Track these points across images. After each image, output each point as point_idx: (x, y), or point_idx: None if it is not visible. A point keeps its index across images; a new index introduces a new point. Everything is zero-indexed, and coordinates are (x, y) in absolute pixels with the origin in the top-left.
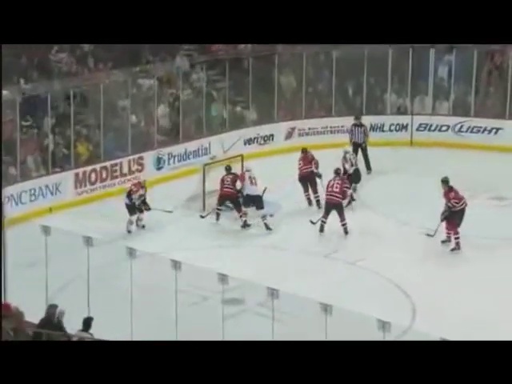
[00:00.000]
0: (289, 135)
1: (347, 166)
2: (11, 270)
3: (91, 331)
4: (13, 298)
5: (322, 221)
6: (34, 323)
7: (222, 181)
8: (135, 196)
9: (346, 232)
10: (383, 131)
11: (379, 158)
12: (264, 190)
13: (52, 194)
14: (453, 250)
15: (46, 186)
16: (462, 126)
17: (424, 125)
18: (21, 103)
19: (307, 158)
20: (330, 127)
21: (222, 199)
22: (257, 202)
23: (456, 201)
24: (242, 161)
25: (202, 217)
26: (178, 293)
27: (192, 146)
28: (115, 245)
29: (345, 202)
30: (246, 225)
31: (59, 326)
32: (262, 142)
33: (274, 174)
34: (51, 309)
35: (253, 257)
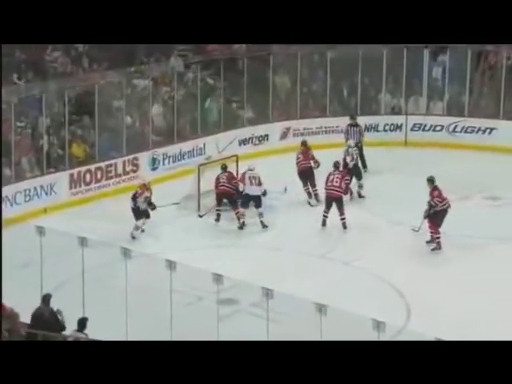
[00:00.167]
0: (284, 135)
1: (348, 160)
2: (6, 271)
3: (86, 331)
4: (7, 299)
5: (324, 215)
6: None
7: (218, 179)
8: (140, 199)
9: (344, 227)
10: (377, 131)
11: (373, 158)
12: (285, 190)
13: (47, 194)
14: (433, 249)
15: (41, 187)
16: (456, 126)
17: (418, 125)
18: (15, 104)
19: (307, 153)
20: (325, 127)
21: (220, 198)
22: (255, 201)
23: (439, 199)
24: (237, 161)
25: (200, 216)
26: (173, 293)
27: (187, 146)
28: (110, 245)
29: (346, 197)
30: (243, 225)
31: (54, 316)
32: (257, 142)
33: (269, 174)
34: (46, 296)
35: (248, 257)
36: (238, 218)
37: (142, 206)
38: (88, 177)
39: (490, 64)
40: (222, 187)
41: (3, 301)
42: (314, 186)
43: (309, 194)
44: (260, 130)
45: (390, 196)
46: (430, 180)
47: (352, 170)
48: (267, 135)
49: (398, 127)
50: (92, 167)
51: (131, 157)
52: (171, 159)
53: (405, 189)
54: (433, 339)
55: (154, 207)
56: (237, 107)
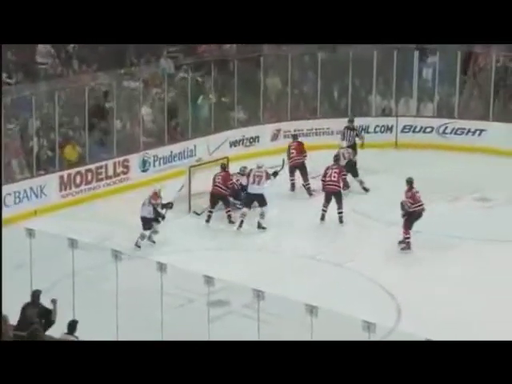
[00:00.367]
0: (274, 137)
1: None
2: None
3: (76, 334)
4: None
5: (323, 209)
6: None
7: (214, 178)
8: (151, 207)
9: (340, 221)
10: (368, 133)
11: (364, 160)
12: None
13: (37, 196)
14: (403, 249)
15: (31, 189)
16: (446, 128)
17: (408, 126)
18: (6, 105)
19: (300, 148)
20: (316, 129)
21: (213, 199)
22: (258, 199)
23: (410, 201)
24: (228, 163)
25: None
26: (164, 295)
27: (177, 148)
28: (101, 247)
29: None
30: (241, 224)
31: (43, 311)
32: (248, 143)
33: None
34: (36, 292)
35: (239, 258)
36: (229, 217)
37: (152, 215)
38: (78, 179)
39: (479, 66)
40: (216, 187)
41: None
42: (306, 180)
43: (292, 185)
44: (251, 131)
45: (381, 197)
46: (408, 181)
47: (346, 168)
48: (258, 137)
49: (389, 129)
50: (82, 169)
51: (121, 159)
52: (162, 161)
53: (396, 190)
54: (423, 339)
55: (171, 206)
56: (227, 109)
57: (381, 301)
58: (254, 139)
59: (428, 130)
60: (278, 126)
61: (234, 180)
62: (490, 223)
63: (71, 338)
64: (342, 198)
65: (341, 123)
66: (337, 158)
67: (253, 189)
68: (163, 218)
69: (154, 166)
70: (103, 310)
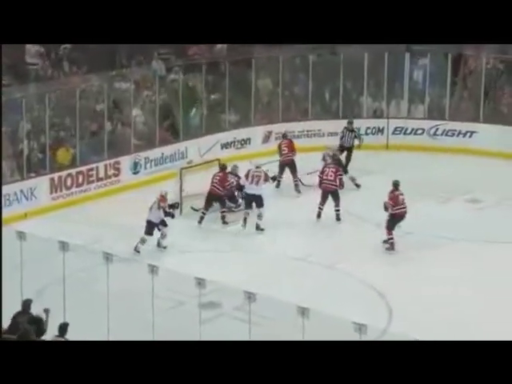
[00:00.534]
0: (266, 139)
1: (328, 159)
2: None
3: (67, 337)
4: None
5: (319, 207)
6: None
7: (212, 178)
8: (160, 211)
9: (337, 219)
10: (359, 134)
11: (356, 161)
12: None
13: (27, 199)
14: (387, 249)
15: (21, 192)
16: (437, 130)
17: (400, 128)
18: None
19: (291, 145)
20: (307, 131)
21: (209, 198)
22: (257, 200)
23: (391, 203)
24: (219, 165)
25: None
26: (155, 297)
27: (169, 150)
28: (92, 250)
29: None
30: (225, 222)
31: (34, 321)
32: (239, 146)
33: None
34: (26, 302)
35: (231, 260)
36: (223, 217)
37: (161, 216)
38: (69, 181)
39: (469, 68)
40: (212, 187)
41: None
42: (295, 176)
43: (278, 182)
44: (242, 133)
45: (372, 198)
46: (393, 183)
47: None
48: (249, 139)
49: (380, 130)
50: (73, 171)
51: (112, 161)
52: (153, 163)
53: (387, 192)
54: (414, 340)
55: (177, 205)
56: (219, 111)
57: (372, 302)
58: (246, 141)
59: (419, 131)
60: (269, 128)
61: (231, 181)
62: (481, 224)
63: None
64: (338, 197)
65: (332, 125)
66: (334, 158)
67: (251, 189)
68: (173, 216)
69: (146, 168)
70: (94, 313)
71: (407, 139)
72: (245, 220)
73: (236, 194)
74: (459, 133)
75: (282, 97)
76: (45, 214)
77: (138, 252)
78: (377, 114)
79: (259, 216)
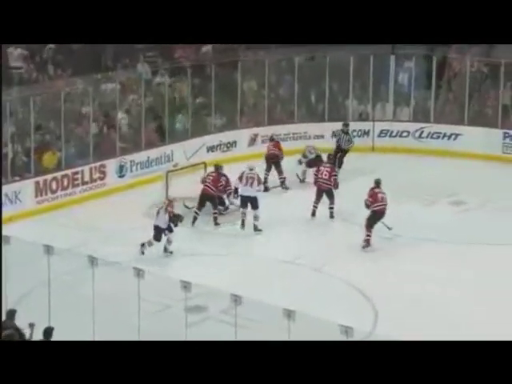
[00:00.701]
0: (252, 142)
1: (310, 156)
2: None
3: (52, 340)
4: None
5: (314, 205)
6: None
7: (205, 178)
8: (166, 216)
9: (331, 216)
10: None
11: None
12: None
13: (12, 202)
14: (363, 247)
15: (6, 195)
16: (422, 132)
17: (385, 131)
18: None
19: (279, 146)
20: (293, 134)
21: (202, 198)
22: (252, 202)
23: (370, 200)
24: (205, 168)
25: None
26: (141, 301)
27: (154, 153)
28: (77, 253)
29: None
30: (216, 223)
31: (18, 333)
32: (225, 148)
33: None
34: (10, 312)
35: (216, 263)
36: (215, 219)
37: (168, 221)
38: (54, 185)
39: (454, 71)
40: (205, 187)
41: None
42: (280, 173)
43: (265, 179)
44: (228, 136)
45: (357, 200)
46: (375, 181)
47: (312, 163)
48: (235, 142)
49: (366, 133)
50: (58, 175)
51: (98, 164)
52: (139, 166)
53: None
54: (399, 340)
55: (181, 219)
56: (205, 114)
57: (358, 305)
58: (232, 144)
59: (404, 134)
60: (255, 131)
61: (223, 182)
62: (465, 226)
63: None
64: (333, 195)
65: (318, 127)
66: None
67: (246, 191)
68: (176, 225)
69: (131, 171)
70: (79, 317)
71: (393, 142)
72: (242, 222)
73: (225, 196)
74: (444, 135)
75: (267, 100)
76: (30, 217)
77: (143, 253)
78: (362, 117)
79: (255, 217)
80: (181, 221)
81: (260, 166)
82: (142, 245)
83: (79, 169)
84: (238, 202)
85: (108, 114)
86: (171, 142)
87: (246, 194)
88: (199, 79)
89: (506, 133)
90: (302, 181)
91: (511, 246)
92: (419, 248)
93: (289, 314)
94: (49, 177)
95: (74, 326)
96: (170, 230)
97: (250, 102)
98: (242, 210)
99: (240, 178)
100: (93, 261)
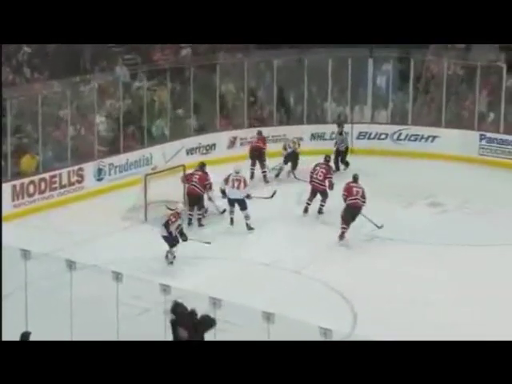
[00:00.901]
0: (231, 144)
1: (288, 150)
2: None
3: None
4: None
5: (307, 203)
6: None
7: (191, 177)
8: (173, 227)
9: (319, 212)
10: (324, 140)
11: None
12: (274, 193)
13: None
14: (339, 240)
15: None
16: (400, 134)
17: (363, 133)
18: None
19: (264, 140)
20: (272, 136)
21: (190, 198)
22: (239, 203)
23: (345, 193)
24: (184, 171)
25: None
26: (120, 304)
27: (133, 156)
28: (55, 257)
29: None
30: (201, 224)
31: None
32: (205, 151)
33: (216, 183)
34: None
35: (198, 266)
36: (199, 220)
37: (175, 232)
38: (31, 188)
39: (431, 73)
40: (192, 187)
41: None
42: (263, 167)
43: (252, 174)
44: (207, 139)
45: (336, 202)
46: (353, 176)
47: (288, 158)
48: (214, 144)
49: None
50: (36, 178)
51: (76, 167)
52: (117, 169)
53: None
54: (380, 340)
55: (185, 239)
56: (184, 117)
57: (338, 307)
58: (211, 147)
59: (382, 136)
60: (234, 134)
61: (210, 181)
62: (443, 228)
63: None
64: (327, 195)
65: (297, 130)
66: (327, 159)
67: (233, 193)
68: (176, 238)
69: (110, 174)
70: (57, 321)
71: (371, 144)
72: (231, 220)
73: (206, 197)
74: (422, 137)
75: (246, 102)
76: (6, 221)
77: (171, 263)
78: (341, 119)
79: (246, 217)
80: (184, 240)
81: (245, 168)
82: (166, 256)
83: (57, 172)
84: (221, 207)
85: (86, 117)
86: (150, 145)
87: (232, 196)
88: (178, 82)
89: (482, 135)
90: (277, 175)
91: (488, 247)
92: (397, 249)
93: (268, 317)
94: (26, 180)
95: (51, 331)
96: (174, 244)
97: (230, 106)
98: (230, 208)
99: (226, 181)
100: (71, 265)
